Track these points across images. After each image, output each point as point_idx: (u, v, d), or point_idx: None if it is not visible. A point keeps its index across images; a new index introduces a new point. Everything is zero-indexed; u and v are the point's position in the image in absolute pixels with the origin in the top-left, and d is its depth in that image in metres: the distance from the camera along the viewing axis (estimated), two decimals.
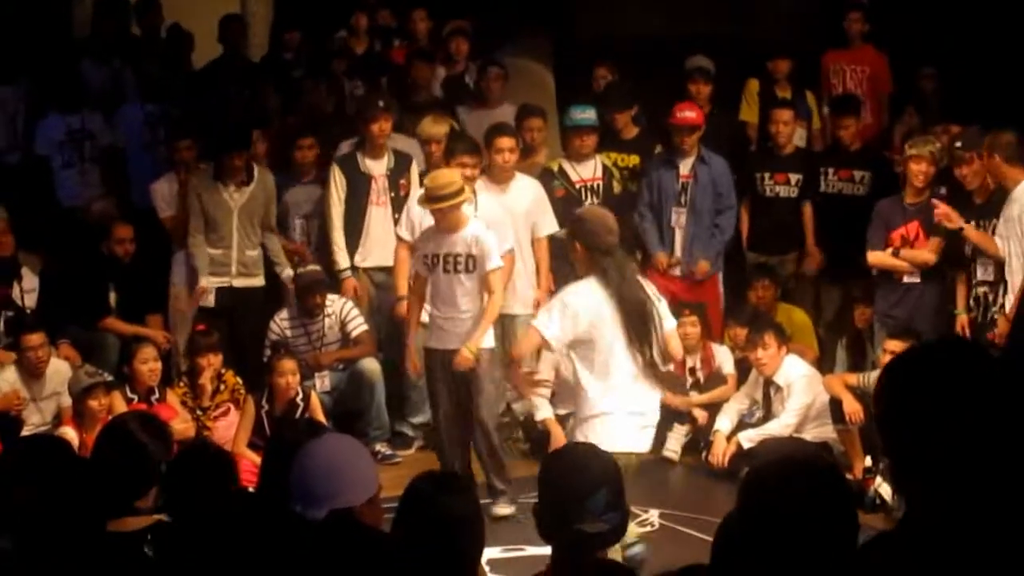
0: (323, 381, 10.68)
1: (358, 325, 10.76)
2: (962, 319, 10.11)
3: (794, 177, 11.57)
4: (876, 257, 10.57)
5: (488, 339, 9.28)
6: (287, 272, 11.14)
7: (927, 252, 10.34)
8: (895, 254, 10.42)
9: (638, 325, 7.78)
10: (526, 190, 10.81)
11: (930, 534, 2.97)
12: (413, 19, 13.29)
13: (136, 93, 12.33)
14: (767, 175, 11.63)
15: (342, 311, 10.76)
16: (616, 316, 7.74)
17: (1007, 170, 9.73)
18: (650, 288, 8.07)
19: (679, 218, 11.32)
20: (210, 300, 10.95)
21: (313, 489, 4.35)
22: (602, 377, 7.89)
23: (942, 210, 10.00)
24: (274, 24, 13.97)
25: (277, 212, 11.26)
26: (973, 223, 9.99)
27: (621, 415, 7.93)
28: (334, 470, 4.42)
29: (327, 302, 10.77)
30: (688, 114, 11.25)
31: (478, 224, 9.38)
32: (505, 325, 10.89)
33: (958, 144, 10.08)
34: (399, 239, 10.20)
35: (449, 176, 9.24)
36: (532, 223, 10.81)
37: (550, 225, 10.86)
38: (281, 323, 10.83)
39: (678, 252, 11.37)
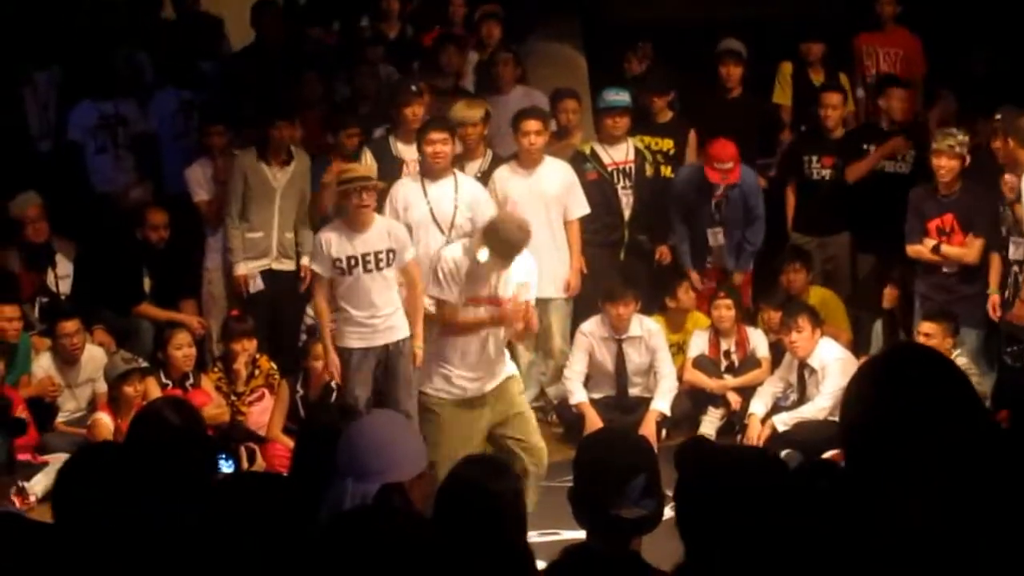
0: None
1: None
2: (993, 299, 10.09)
3: (840, 161, 11.53)
4: (916, 251, 10.54)
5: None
6: (306, 259, 10.99)
7: (968, 253, 10.30)
8: (935, 250, 10.36)
9: None
10: (556, 173, 10.81)
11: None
12: (452, 3, 13.23)
13: (160, 79, 12.31)
14: (815, 158, 11.57)
15: None
16: None
17: (1020, 154, 9.71)
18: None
19: (716, 237, 11.30)
20: (260, 284, 10.92)
21: (366, 463, 4.34)
22: None
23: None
24: (301, 10, 13.92)
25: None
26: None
27: None
28: (386, 444, 4.43)
29: None
30: (726, 166, 10.99)
31: (384, 218, 9.57)
32: (539, 309, 10.88)
33: (997, 117, 10.10)
34: None
35: (360, 167, 9.66)
36: (563, 205, 10.80)
37: (581, 207, 10.86)
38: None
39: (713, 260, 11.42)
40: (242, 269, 10.90)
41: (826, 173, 11.56)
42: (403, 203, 10.14)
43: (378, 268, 9.24)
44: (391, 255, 9.27)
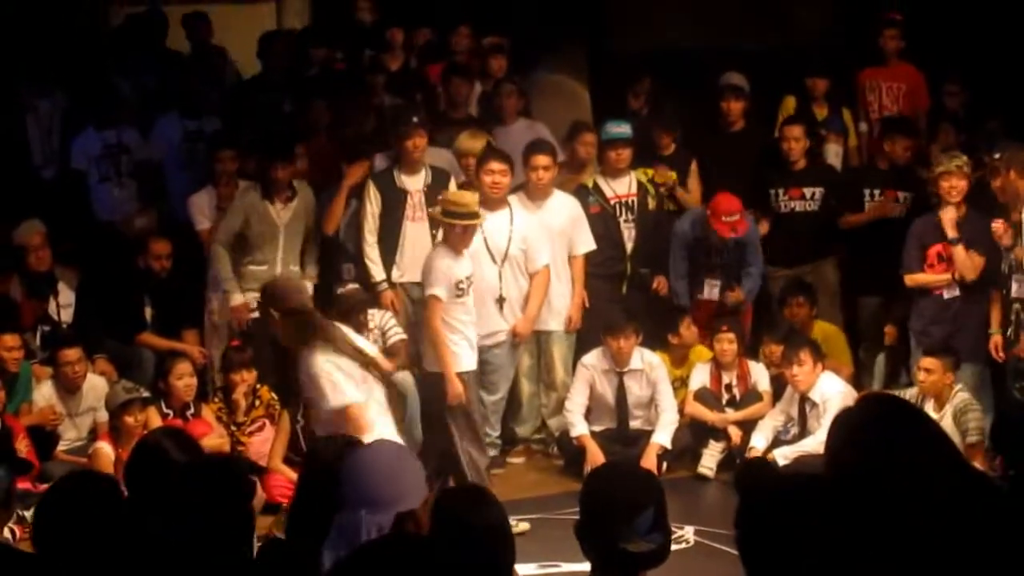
0: None
1: (395, 334, 10.65)
2: (995, 339, 10.09)
3: (809, 191, 11.55)
4: (913, 279, 10.54)
5: None
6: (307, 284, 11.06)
7: (971, 266, 10.28)
8: (952, 242, 10.32)
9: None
10: (563, 208, 10.85)
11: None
12: (458, 35, 13.26)
13: (163, 105, 12.34)
14: (780, 191, 11.61)
15: (382, 321, 10.71)
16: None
17: (1022, 185, 9.73)
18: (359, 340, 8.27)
19: (712, 290, 11.32)
20: (254, 315, 10.92)
21: (380, 494, 4.31)
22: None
23: (1000, 225, 10.03)
24: (301, 39, 13.94)
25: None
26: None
27: None
28: (396, 473, 4.39)
29: (369, 316, 10.77)
30: (733, 219, 10.98)
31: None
32: (541, 341, 10.91)
33: (996, 156, 10.09)
34: None
35: (471, 199, 9.55)
36: (568, 240, 10.83)
37: (587, 243, 10.91)
38: None
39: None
40: (239, 299, 10.88)
41: (795, 205, 11.59)
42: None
43: (469, 292, 9.56)
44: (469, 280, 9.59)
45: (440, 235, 9.91)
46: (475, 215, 9.47)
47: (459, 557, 4.00)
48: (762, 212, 11.57)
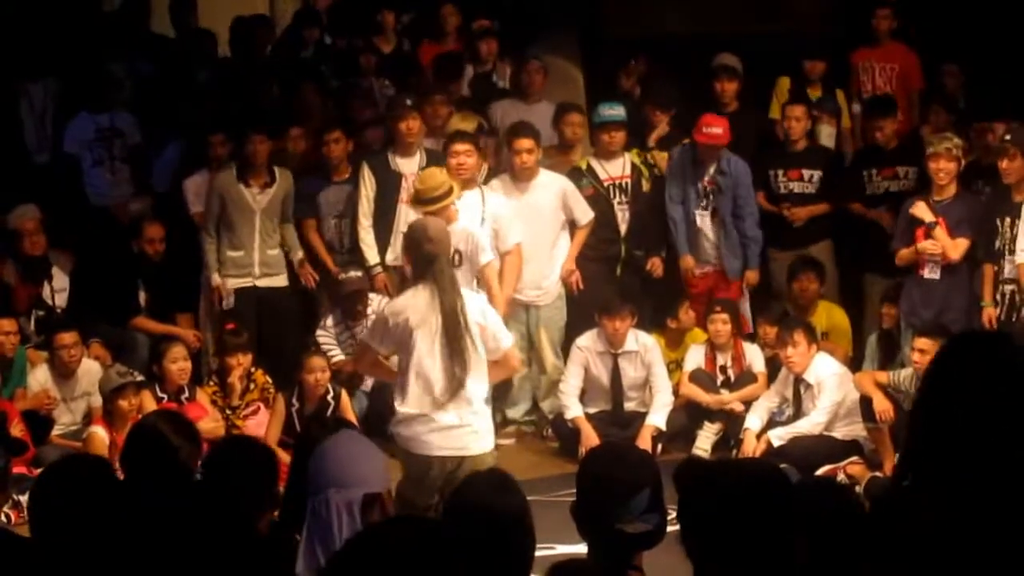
0: (365, 381, 10.64)
1: None
2: (989, 311, 10.08)
3: (808, 173, 11.56)
4: (902, 255, 10.53)
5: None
6: (299, 255, 11.14)
7: (954, 249, 10.27)
8: (929, 231, 10.31)
9: (451, 337, 7.58)
10: (550, 186, 10.86)
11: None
12: (443, 15, 13.25)
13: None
14: (780, 172, 11.62)
15: (379, 306, 10.70)
16: (437, 323, 7.60)
17: None
18: (476, 303, 7.94)
19: (704, 220, 11.31)
20: (230, 301, 10.93)
21: (347, 473, 4.47)
22: (415, 382, 7.66)
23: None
24: (294, 22, 13.94)
25: (312, 212, 11.21)
26: (1010, 219, 10.01)
27: (426, 420, 7.69)
28: (363, 456, 4.59)
29: (368, 301, 10.79)
30: (714, 130, 11.16)
31: (464, 220, 9.65)
32: (531, 323, 10.92)
33: (1007, 137, 10.07)
34: None
35: (440, 176, 9.46)
36: (565, 218, 10.91)
37: (585, 213, 10.95)
38: (329, 331, 10.82)
39: (710, 256, 11.36)
40: (215, 280, 10.95)
41: (793, 186, 11.60)
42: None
43: (456, 264, 9.35)
44: (457, 256, 9.37)
45: None
46: (448, 192, 9.37)
47: (475, 542, 4.02)
48: (763, 189, 11.61)
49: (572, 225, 11.06)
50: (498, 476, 4.66)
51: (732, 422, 10.55)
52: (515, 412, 11.11)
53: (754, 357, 10.87)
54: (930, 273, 10.39)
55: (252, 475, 5.12)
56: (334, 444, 4.62)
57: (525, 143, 10.71)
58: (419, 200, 9.39)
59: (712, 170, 11.24)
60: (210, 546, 4.56)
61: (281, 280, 11.13)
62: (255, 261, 10.96)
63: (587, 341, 10.71)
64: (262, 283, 11.05)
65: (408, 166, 10.79)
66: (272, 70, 12.70)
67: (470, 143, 10.39)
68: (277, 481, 5.35)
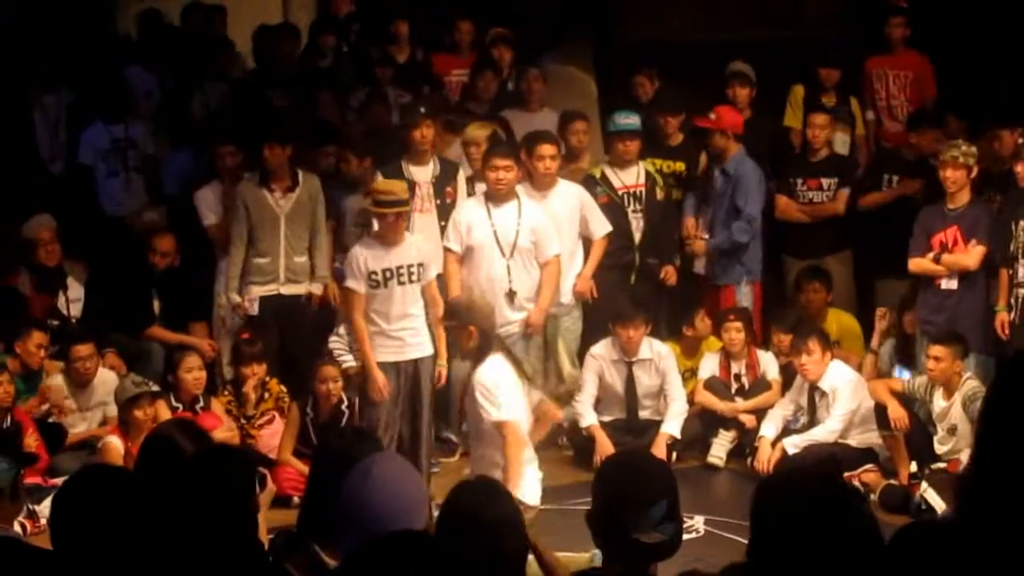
0: None
1: None
2: (1002, 316, 10.03)
3: (826, 182, 11.56)
4: (917, 264, 10.49)
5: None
6: (315, 287, 10.97)
7: (968, 258, 10.26)
8: (936, 260, 10.32)
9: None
10: (569, 196, 10.82)
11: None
12: (457, 27, 13.25)
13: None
14: (800, 181, 11.63)
15: None
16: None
17: None
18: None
19: (704, 222, 11.50)
20: (254, 309, 10.86)
21: (394, 517, 4.21)
22: None
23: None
24: (310, 32, 13.96)
25: (335, 221, 11.15)
26: None
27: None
28: (408, 504, 4.36)
29: None
30: (712, 115, 11.32)
31: (412, 234, 9.83)
32: (548, 332, 10.90)
33: (1021, 140, 10.07)
34: (447, 250, 10.26)
35: (398, 186, 9.62)
36: (581, 228, 10.88)
37: (603, 225, 10.92)
38: (342, 338, 10.78)
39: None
40: (234, 299, 10.78)
41: (812, 195, 11.61)
42: (466, 225, 10.26)
43: (411, 281, 9.46)
44: (421, 269, 9.49)
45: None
46: (404, 202, 9.46)
47: (468, 551, 4.00)
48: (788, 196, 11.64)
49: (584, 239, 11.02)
50: (487, 484, 4.66)
51: (746, 431, 10.56)
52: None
53: (768, 365, 10.87)
54: (947, 283, 10.38)
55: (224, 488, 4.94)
56: (377, 481, 4.34)
57: (548, 149, 10.69)
58: (379, 202, 9.43)
59: (717, 171, 11.29)
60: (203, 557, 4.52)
61: (302, 288, 11.01)
62: (280, 268, 10.84)
63: (601, 349, 10.71)
64: (286, 290, 10.88)
65: (422, 174, 10.76)
66: (299, 79, 12.71)
67: (510, 158, 10.36)
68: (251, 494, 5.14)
